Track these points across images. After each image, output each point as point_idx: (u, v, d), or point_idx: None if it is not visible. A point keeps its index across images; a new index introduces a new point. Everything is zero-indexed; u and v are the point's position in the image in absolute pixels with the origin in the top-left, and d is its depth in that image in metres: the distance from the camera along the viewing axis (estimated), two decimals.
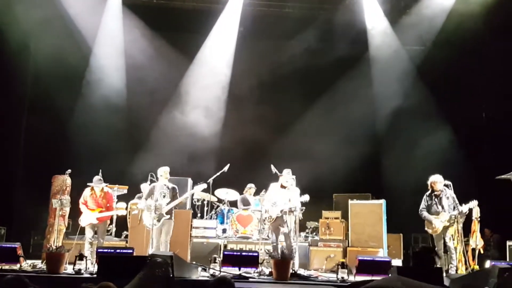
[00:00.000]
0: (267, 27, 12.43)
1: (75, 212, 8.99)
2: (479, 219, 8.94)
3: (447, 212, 8.45)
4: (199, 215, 10.69)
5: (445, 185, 8.61)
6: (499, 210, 10.20)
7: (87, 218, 8.72)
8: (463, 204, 8.43)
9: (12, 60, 11.25)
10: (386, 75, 12.29)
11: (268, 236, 9.85)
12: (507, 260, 8.72)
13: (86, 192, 8.90)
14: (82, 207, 8.81)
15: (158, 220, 8.25)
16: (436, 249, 8.59)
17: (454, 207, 8.47)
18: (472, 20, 11.11)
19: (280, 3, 12.38)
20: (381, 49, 12.35)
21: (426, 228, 8.70)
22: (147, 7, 12.33)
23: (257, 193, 10.94)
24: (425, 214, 8.67)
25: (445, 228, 8.47)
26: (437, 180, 8.62)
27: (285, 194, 8.57)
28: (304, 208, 8.62)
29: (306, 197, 8.51)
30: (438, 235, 8.55)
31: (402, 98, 12.05)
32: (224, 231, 10.25)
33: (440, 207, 8.54)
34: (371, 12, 12.20)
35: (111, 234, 10.21)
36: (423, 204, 8.75)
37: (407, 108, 11.91)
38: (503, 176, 9.79)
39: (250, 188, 11.13)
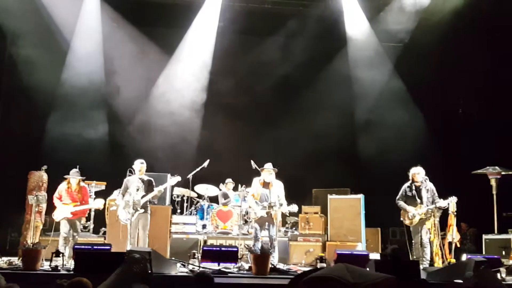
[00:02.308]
0: (247, 23, 12.42)
1: (52, 209, 8.86)
2: (455, 213, 9.07)
3: (424, 205, 8.53)
4: (178, 211, 10.65)
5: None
6: (476, 205, 10.35)
7: (62, 212, 8.62)
8: (441, 199, 8.52)
9: None
10: (363, 71, 12.38)
11: (248, 231, 9.88)
12: (483, 253, 8.85)
13: (62, 186, 8.79)
14: (56, 201, 8.70)
15: (132, 215, 8.19)
16: (413, 242, 8.69)
17: (433, 201, 8.56)
18: (449, 17, 11.26)
19: None
20: (359, 45, 12.44)
21: (401, 218, 8.77)
22: (126, 1, 12.20)
23: (236, 188, 10.94)
24: (400, 203, 8.74)
25: (422, 221, 8.56)
26: (418, 172, 8.68)
27: (268, 190, 8.57)
28: (282, 205, 8.60)
29: (295, 208, 8.55)
30: (415, 228, 8.63)
31: (379, 94, 12.17)
32: (204, 226, 10.23)
33: (418, 199, 8.62)
34: (350, 9, 12.28)
35: (89, 231, 10.10)
36: (400, 194, 8.81)
37: (384, 104, 12.03)
38: (479, 171, 9.95)
39: (228, 183, 11.12)
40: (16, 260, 7.87)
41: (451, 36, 11.67)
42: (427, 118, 12.12)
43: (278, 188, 8.61)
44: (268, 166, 8.64)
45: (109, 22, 12.08)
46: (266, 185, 8.63)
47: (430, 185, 8.67)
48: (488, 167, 9.79)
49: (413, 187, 8.73)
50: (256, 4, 12.44)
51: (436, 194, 8.60)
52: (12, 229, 10.67)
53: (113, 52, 12.03)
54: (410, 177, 8.78)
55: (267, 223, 8.55)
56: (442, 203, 8.49)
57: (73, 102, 11.73)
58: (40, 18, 11.35)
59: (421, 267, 7.48)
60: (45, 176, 9.44)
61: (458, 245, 9.35)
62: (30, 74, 11.20)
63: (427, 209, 8.50)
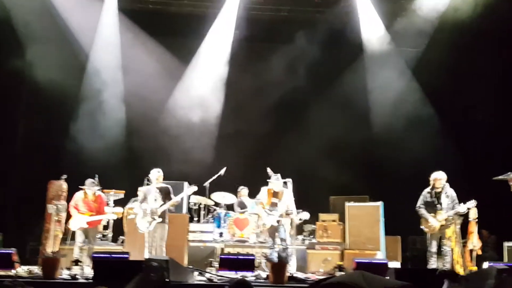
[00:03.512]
0: (263, 31, 12.47)
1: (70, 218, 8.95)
2: (476, 220, 8.94)
3: (444, 211, 8.39)
4: (195, 219, 10.67)
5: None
6: (497, 212, 10.19)
7: (78, 222, 8.66)
8: (461, 204, 8.39)
9: (8, 65, 11.23)
10: (381, 77, 12.32)
11: (265, 239, 9.86)
12: (505, 261, 8.70)
13: (78, 195, 8.85)
14: (72, 210, 8.75)
15: (150, 223, 8.21)
16: (428, 249, 8.54)
17: (453, 207, 8.41)
18: (466, 23, 11.16)
19: (276, 7, 12.40)
20: (375, 52, 12.37)
21: (421, 226, 8.62)
22: (143, 12, 12.34)
23: (252, 195, 10.91)
24: (422, 211, 8.56)
25: (442, 228, 8.42)
26: (440, 177, 8.52)
27: (277, 199, 8.57)
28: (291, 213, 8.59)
29: (306, 215, 8.55)
30: (435, 235, 8.48)
31: (397, 100, 12.08)
32: (221, 235, 10.22)
33: (438, 205, 8.47)
34: (366, 15, 12.22)
35: (107, 239, 10.18)
36: (421, 200, 8.64)
37: (402, 110, 11.92)
38: (500, 177, 9.77)
39: (241, 190, 11.07)
40: (36, 269, 7.97)
41: (469, 41, 11.54)
42: (446, 124, 11.99)
43: (287, 198, 8.61)
44: (274, 178, 8.66)
45: (127, 32, 12.22)
46: (275, 194, 8.66)
47: (451, 191, 8.50)
48: (509, 173, 9.58)
49: (433, 193, 8.58)
50: (272, 12, 12.47)
51: (456, 201, 8.44)
52: (31, 238, 10.78)
53: (131, 63, 12.15)
54: (431, 182, 8.64)
55: (277, 233, 8.56)
56: (461, 208, 8.34)
57: (92, 112, 11.87)
58: (59, 31, 11.55)
59: None
60: (64, 186, 9.52)
61: (479, 253, 9.21)
62: (50, 85, 11.35)
63: (447, 216, 8.37)
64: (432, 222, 8.41)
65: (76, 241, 8.68)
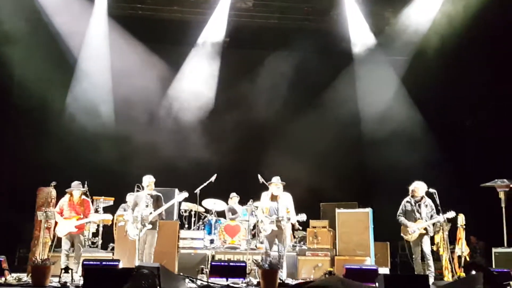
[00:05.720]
0: (252, 38, 12.53)
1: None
2: (464, 226, 9.03)
3: (424, 220, 8.47)
4: (186, 226, 10.65)
5: (430, 193, 8.61)
6: (485, 218, 10.28)
7: (65, 228, 8.49)
8: (440, 214, 8.45)
9: None
10: (370, 85, 12.43)
11: (256, 246, 9.85)
12: (493, 267, 8.78)
13: (63, 199, 8.71)
14: (57, 216, 8.59)
15: (141, 230, 8.19)
16: (413, 256, 8.59)
17: (431, 216, 8.49)
18: (454, 31, 11.32)
19: (266, 14, 12.48)
20: (365, 60, 12.48)
21: (402, 234, 8.69)
22: (133, 18, 12.35)
23: (242, 202, 10.93)
24: (401, 218, 8.66)
25: (421, 236, 8.46)
26: (419, 187, 8.63)
27: (276, 203, 8.53)
28: (289, 218, 8.57)
29: (303, 217, 8.53)
30: (415, 242, 8.54)
31: (386, 108, 12.19)
32: (211, 241, 10.22)
33: (418, 214, 8.56)
34: (355, 23, 12.33)
35: (97, 247, 10.12)
36: (401, 209, 8.75)
37: (391, 117, 12.04)
38: (487, 184, 9.90)
39: (233, 197, 11.09)
40: (25, 277, 7.90)
41: (456, 48, 11.69)
42: (435, 130, 12.11)
43: (286, 201, 8.57)
44: (276, 179, 8.63)
45: (117, 39, 12.20)
46: (274, 198, 8.59)
47: (429, 201, 8.60)
48: (496, 180, 9.74)
49: (413, 202, 8.67)
50: (262, 19, 12.54)
51: (435, 210, 8.54)
52: (21, 245, 10.71)
53: (120, 69, 12.13)
54: (410, 192, 8.72)
55: (276, 239, 8.52)
56: (440, 217, 8.41)
57: (80, 119, 11.82)
58: (48, 37, 11.52)
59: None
60: (53, 192, 9.46)
61: (468, 259, 9.30)
62: (38, 90, 11.31)
63: (427, 225, 8.42)
64: (412, 226, 8.47)
65: (62, 249, 8.55)
